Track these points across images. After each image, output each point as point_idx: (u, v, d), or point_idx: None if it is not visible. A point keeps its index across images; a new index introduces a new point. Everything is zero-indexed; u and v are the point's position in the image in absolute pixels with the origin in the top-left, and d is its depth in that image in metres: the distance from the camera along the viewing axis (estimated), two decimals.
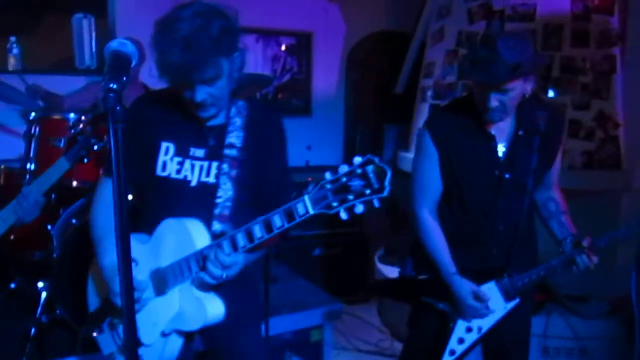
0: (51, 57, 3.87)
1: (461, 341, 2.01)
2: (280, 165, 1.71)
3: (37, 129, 2.85)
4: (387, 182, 1.22)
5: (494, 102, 1.79)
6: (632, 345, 1.77)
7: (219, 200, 1.60)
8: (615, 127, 3.26)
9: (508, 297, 1.97)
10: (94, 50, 3.85)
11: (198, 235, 1.53)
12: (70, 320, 2.67)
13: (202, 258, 1.49)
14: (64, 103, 3.43)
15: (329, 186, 1.26)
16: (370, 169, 1.23)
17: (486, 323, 1.99)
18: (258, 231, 1.40)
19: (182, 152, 1.63)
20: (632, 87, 3.23)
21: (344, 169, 1.25)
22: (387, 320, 3.95)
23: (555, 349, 3.11)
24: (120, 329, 1.69)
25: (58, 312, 2.71)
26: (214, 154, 1.63)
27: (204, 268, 1.47)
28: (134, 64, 1.10)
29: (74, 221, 2.80)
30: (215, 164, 1.62)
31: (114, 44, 1.10)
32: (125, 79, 1.01)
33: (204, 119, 1.59)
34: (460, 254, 1.98)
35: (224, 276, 1.46)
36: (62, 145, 2.81)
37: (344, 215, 1.26)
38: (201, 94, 1.47)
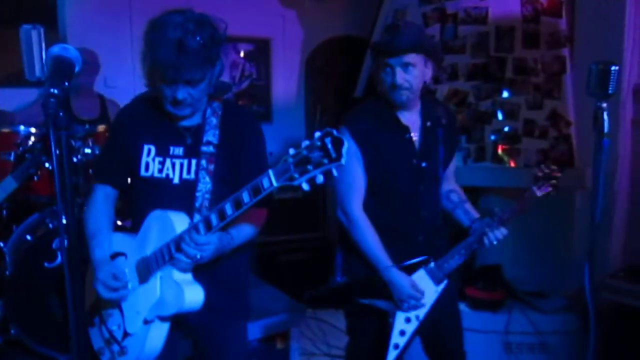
0: None
1: (402, 333, 2.08)
2: (256, 158, 1.80)
3: None
4: (343, 151, 1.29)
5: (400, 78, 1.96)
6: (589, 335, 1.80)
7: (198, 194, 1.70)
8: (567, 126, 3.36)
9: (437, 281, 2.09)
10: (44, 61, 3.74)
11: (179, 223, 1.63)
12: (26, 340, 2.58)
13: (178, 240, 1.57)
14: (14, 119, 3.33)
15: (290, 160, 1.35)
16: (328, 140, 1.31)
17: (422, 309, 2.08)
18: (229, 208, 1.50)
19: (163, 152, 1.75)
20: (581, 87, 3.33)
21: (305, 142, 1.34)
22: None
23: (517, 345, 3.17)
24: (109, 321, 1.79)
25: (12, 332, 2.61)
26: (192, 152, 1.74)
27: (178, 249, 1.56)
28: (77, 69, 1.07)
29: (28, 237, 2.71)
30: (194, 161, 1.73)
31: (55, 49, 1.08)
32: (67, 83, 0.98)
33: (178, 118, 1.71)
34: (392, 246, 2.06)
35: (198, 256, 1.55)
36: (11, 158, 2.72)
37: (305, 186, 1.33)
38: (182, 92, 1.59)
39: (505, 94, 3.36)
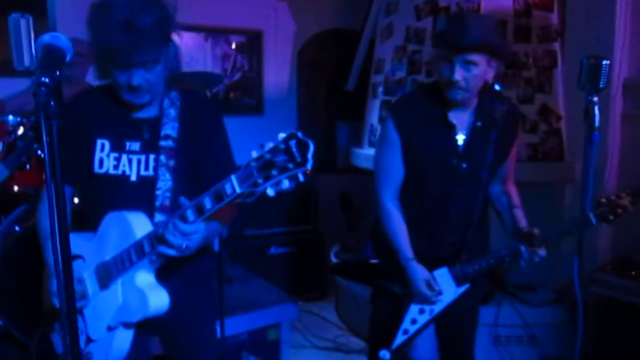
0: None
1: (414, 321, 2.08)
2: (219, 152, 1.72)
3: None
4: (309, 155, 1.22)
5: (458, 75, 1.83)
6: (576, 328, 1.82)
7: (158, 192, 1.60)
8: (557, 120, 3.38)
9: (459, 282, 2.04)
10: (33, 50, 3.70)
11: (138, 225, 1.54)
12: (15, 331, 2.56)
13: (149, 240, 1.47)
14: (4, 106, 3.29)
15: (254, 164, 1.26)
16: (293, 143, 1.23)
17: (437, 306, 2.06)
18: (190, 215, 1.41)
19: (118, 147, 1.63)
20: (572, 81, 3.35)
21: (269, 145, 1.25)
22: (344, 316, 3.97)
23: (506, 337, 3.20)
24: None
25: (1, 323, 2.59)
26: (150, 146, 1.63)
27: (161, 240, 1.44)
28: (68, 58, 1.05)
29: (16, 228, 2.69)
30: (152, 156, 1.62)
31: (46, 38, 1.06)
32: (58, 73, 0.97)
33: (136, 108, 1.60)
34: (417, 240, 2.04)
35: (184, 246, 1.45)
36: (0, 149, 2.69)
37: (270, 192, 1.26)
38: (138, 77, 1.48)
39: (496, 88, 3.36)
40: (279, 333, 3.01)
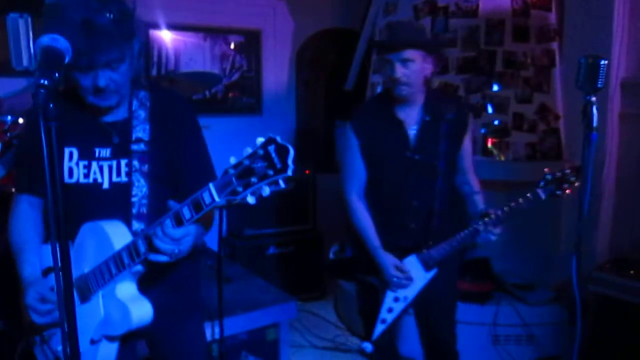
0: None
1: (390, 310, 2.22)
2: (194, 152, 1.65)
3: None
4: (289, 161, 1.17)
5: (399, 72, 2.07)
6: (575, 327, 1.83)
7: (134, 199, 1.54)
8: (555, 119, 3.39)
9: (427, 267, 2.19)
10: (32, 50, 3.69)
11: (115, 235, 1.48)
12: (8, 330, 2.56)
13: (130, 250, 1.42)
14: (1, 105, 3.28)
15: (232, 171, 1.22)
16: (271, 148, 1.18)
17: (410, 292, 2.21)
18: (169, 224, 1.36)
19: (87, 155, 1.57)
20: (570, 81, 3.36)
21: (247, 151, 1.21)
22: (342, 316, 3.97)
23: (504, 337, 3.20)
24: (52, 341, 1.61)
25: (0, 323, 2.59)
26: (121, 151, 1.57)
27: (151, 249, 1.39)
28: (67, 59, 1.05)
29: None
30: (123, 162, 1.57)
31: (45, 39, 1.05)
32: (57, 75, 0.96)
33: (103, 112, 1.54)
34: (384, 231, 2.23)
35: (176, 251, 1.39)
36: None
37: (250, 200, 1.21)
38: (104, 78, 1.41)
39: (495, 88, 3.37)
40: (278, 333, 3.01)
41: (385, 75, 2.17)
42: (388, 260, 2.18)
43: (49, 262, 1.56)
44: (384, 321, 2.22)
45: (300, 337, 3.62)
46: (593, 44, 3.13)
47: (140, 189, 1.55)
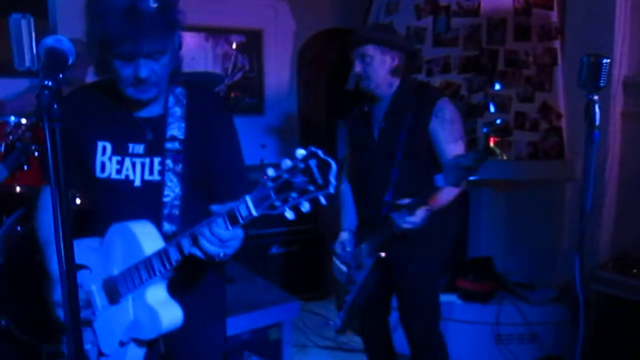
0: None
1: (345, 291, 2.36)
2: (229, 155, 1.60)
3: None
4: (331, 177, 1.12)
5: (358, 67, 2.23)
6: (577, 326, 1.83)
7: (166, 199, 1.50)
8: (557, 118, 3.38)
9: (369, 255, 2.27)
10: (34, 51, 3.70)
11: (145, 239, 1.44)
12: (16, 331, 2.57)
13: (161, 258, 1.37)
14: (4, 107, 3.29)
15: (270, 184, 1.16)
16: (313, 162, 1.13)
17: (358, 276, 2.30)
18: (222, 224, 1.29)
19: (120, 150, 1.52)
20: (572, 79, 3.36)
21: (286, 163, 1.15)
22: None
23: (507, 336, 3.20)
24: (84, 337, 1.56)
25: (3, 323, 2.60)
26: (154, 149, 1.51)
27: (196, 244, 1.31)
28: (71, 61, 1.06)
29: (18, 228, 2.70)
30: (157, 160, 1.52)
31: (49, 41, 1.05)
32: (61, 76, 0.96)
33: (140, 106, 1.49)
34: (361, 210, 2.43)
35: (222, 254, 1.32)
36: (1, 149, 2.70)
37: (289, 215, 1.16)
38: (146, 69, 1.36)
39: (497, 87, 3.37)
40: (281, 332, 3.02)
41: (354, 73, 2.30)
42: (340, 237, 2.39)
43: (80, 260, 1.45)
44: (345, 302, 2.34)
45: (303, 337, 3.63)
46: (595, 43, 3.12)
47: (172, 190, 1.51)
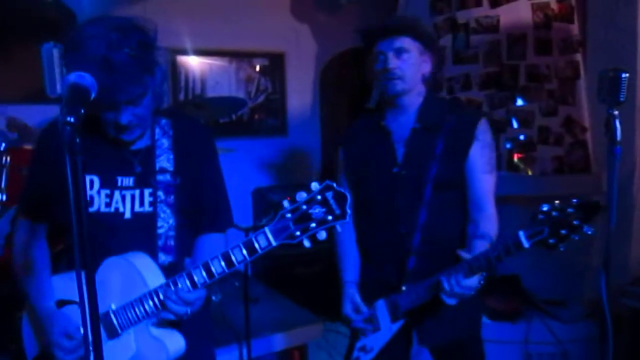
0: (21, 87, 3.84)
1: (357, 359, 1.94)
2: (215, 185, 1.64)
3: (8, 159, 2.83)
4: (347, 207, 1.22)
5: (392, 63, 1.78)
6: (607, 345, 1.79)
7: (160, 231, 1.52)
8: (582, 131, 3.34)
9: (393, 318, 1.84)
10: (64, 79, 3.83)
11: (147, 271, 1.45)
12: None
13: (157, 297, 1.40)
14: (36, 135, 3.40)
15: (289, 215, 1.25)
16: (329, 194, 1.23)
17: (377, 343, 1.89)
18: (218, 266, 1.34)
19: (109, 183, 1.51)
20: (595, 92, 3.32)
21: (302, 196, 1.24)
22: None
23: (537, 355, 3.13)
24: None
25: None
26: (144, 181, 1.52)
27: (163, 307, 1.38)
28: (92, 95, 1.10)
29: None
30: (147, 191, 1.52)
31: (72, 77, 1.09)
32: (82, 111, 1.00)
33: (127, 143, 1.50)
34: (368, 264, 1.96)
35: (188, 312, 1.39)
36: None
37: (307, 243, 1.25)
38: (126, 115, 1.37)
39: (519, 102, 3.35)
40: (306, 353, 3.01)
41: (373, 73, 1.84)
42: (349, 297, 1.90)
43: (62, 296, 1.51)
44: None
45: (328, 358, 3.61)
46: (618, 54, 3.09)
47: (166, 221, 1.52)
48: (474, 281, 1.65)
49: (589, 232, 1.17)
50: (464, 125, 1.82)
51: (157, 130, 1.56)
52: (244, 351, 2.67)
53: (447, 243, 1.82)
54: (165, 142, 1.56)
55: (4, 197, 2.76)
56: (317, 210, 1.22)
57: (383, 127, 1.88)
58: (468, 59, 3.41)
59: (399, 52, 1.78)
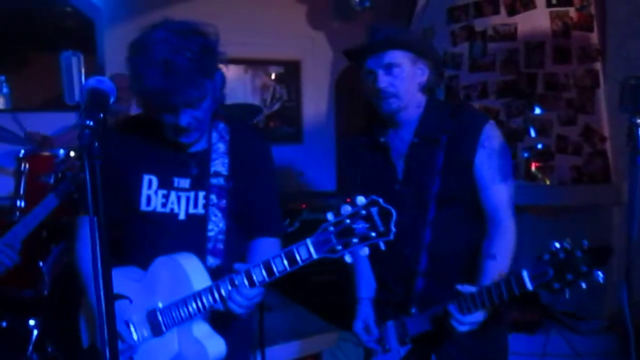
0: (40, 94, 3.90)
1: None
2: (268, 191, 1.64)
3: (26, 166, 2.85)
4: (392, 225, 1.17)
5: (382, 82, 1.66)
6: (629, 357, 1.74)
7: (210, 234, 1.53)
8: (601, 141, 3.29)
9: (400, 341, 1.76)
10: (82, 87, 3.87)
11: (194, 273, 1.47)
12: (62, 358, 2.63)
13: (200, 299, 1.42)
14: (54, 142, 3.44)
15: (331, 228, 1.22)
16: (374, 210, 1.18)
17: None
18: (259, 274, 1.35)
19: (166, 184, 1.55)
20: (615, 101, 3.28)
21: (347, 209, 1.21)
22: None
23: None
24: None
25: (49, 349, 2.67)
26: (199, 184, 1.55)
27: (224, 303, 1.39)
28: (112, 100, 1.11)
29: (65, 258, 2.78)
30: (201, 194, 1.55)
31: (91, 82, 1.10)
32: (102, 115, 1.01)
33: (185, 145, 1.53)
34: (379, 284, 1.87)
35: (248, 310, 1.42)
36: (51, 181, 2.80)
37: (348, 259, 1.22)
38: (186, 117, 1.40)
39: (536, 110, 3.32)
40: None
41: (367, 91, 1.74)
42: (362, 316, 1.83)
43: (119, 289, 1.48)
44: None
45: None
46: (638, 61, 3.04)
47: (216, 224, 1.54)
48: (478, 316, 1.54)
49: (600, 280, 1.08)
50: (467, 133, 1.69)
51: (215, 135, 1.58)
52: (259, 359, 2.65)
53: (456, 260, 1.73)
54: (221, 147, 1.57)
55: (23, 203, 2.79)
56: (360, 226, 1.19)
57: (382, 144, 1.77)
58: (485, 66, 3.39)
59: (389, 67, 1.67)
